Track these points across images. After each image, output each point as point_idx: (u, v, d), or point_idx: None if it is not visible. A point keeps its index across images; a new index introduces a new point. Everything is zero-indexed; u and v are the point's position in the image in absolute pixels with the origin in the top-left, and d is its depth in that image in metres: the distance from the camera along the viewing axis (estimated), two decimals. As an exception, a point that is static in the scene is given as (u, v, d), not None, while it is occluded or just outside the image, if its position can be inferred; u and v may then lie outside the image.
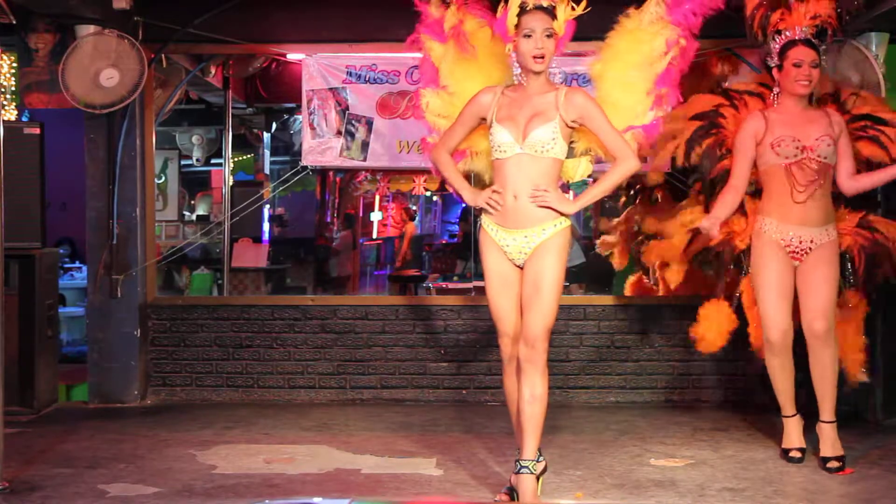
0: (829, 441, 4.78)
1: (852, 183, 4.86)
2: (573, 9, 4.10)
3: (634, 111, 4.21)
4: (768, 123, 4.81)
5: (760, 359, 5.02)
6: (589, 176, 4.36)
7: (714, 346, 5.11)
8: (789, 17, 4.81)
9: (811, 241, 4.78)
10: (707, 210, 5.11)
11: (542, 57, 4.03)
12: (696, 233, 5.12)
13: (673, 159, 5.28)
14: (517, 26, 4.04)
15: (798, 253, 4.80)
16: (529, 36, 4.01)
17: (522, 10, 4.03)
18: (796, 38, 4.76)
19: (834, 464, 4.70)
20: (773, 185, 4.81)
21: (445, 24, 4.30)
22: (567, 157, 4.16)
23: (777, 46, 4.82)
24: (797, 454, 4.83)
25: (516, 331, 4.13)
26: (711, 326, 5.08)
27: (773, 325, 4.80)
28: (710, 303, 5.13)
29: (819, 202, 4.78)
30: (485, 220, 4.19)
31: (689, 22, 4.22)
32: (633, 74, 4.21)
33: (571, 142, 4.16)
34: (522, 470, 4.02)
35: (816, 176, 4.75)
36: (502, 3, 4.16)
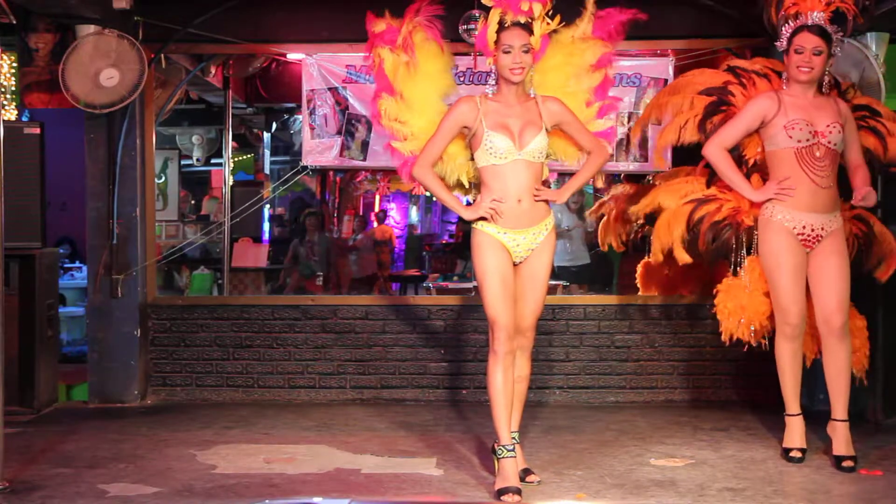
0: (843, 440, 4.75)
1: (852, 177, 4.88)
2: (548, 24, 4.37)
3: (580, 118, 4.55)
4: (782, 105, 4.78)
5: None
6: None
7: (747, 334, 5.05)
8: (802, 3, 4.78)
9: (822, 228, 4.77)
10: (709, 185, 5.13)
11: (521, 69, 4.30)
12: (698, 203, 5.10)
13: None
14: (496, 42, 4.29)
15: (809, 240, 4.78)
16: (508, 52, 4.28)
17: (501, 27, 4.28)
18: (807, 23, 4.73)
19: (848, 463, 4.67)
20: (783, 169, 4.77)
21: (399, 37, 4.53)
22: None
23: (787, 31, 4.79)
24: (798, 454, 4.82)
25: (513, 325, 4.33)
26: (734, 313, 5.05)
27: (791, 309, 4.78)
28: (724, 286, 5.10)
29: (829, 189, 4.77)
30: (486, 226, 4.35)
31: (613, 39, 4.61)
32: (572, 84, 4.60)
33: None
34: (515, 439, 4.38)
35: (827, 162, 4.74)
36: (482, 19, 4.38)
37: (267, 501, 4.21)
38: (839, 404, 4.79)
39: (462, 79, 6.33)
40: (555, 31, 4.48)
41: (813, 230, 4.78)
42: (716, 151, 4.92)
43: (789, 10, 4.81)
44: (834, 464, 4.73)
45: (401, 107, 4.55)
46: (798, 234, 4.78)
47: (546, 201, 4.41)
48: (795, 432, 4.89)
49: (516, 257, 4.38)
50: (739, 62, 5.29)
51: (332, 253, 11.14)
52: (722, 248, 5.05)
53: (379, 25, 4.56)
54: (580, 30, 4.57)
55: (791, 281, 4.79)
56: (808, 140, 4.73)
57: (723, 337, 5.11)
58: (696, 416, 5.96)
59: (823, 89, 4.85)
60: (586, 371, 6.41)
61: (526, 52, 4.27)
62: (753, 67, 5.18)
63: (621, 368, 6.39)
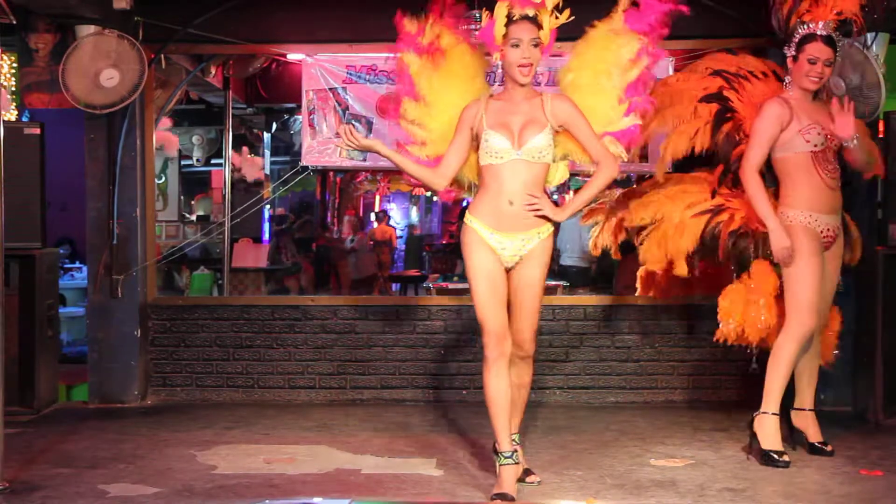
0: (818, 427, 4.99)
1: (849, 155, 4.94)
2: (556, 18, 4.20)
3: (608, 117, 4.35)
4: (794, 110, 4.79)
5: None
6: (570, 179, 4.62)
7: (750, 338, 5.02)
8: (815, 10, 4.80)
9: (837, 228, 4.88)
10: (714, 194, 5.09)
11: (529, 66, 4.15)
12: (712, 214, 5.04)
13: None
14: (504, 36, 4.14)
15: (830, 241, 4.86)
16: (517, 45, 4.13)
17: (509, 20, 4.14)
18: (817, 32, 4.74)
19: (829, 447, 4.91)
20: (801, 174, 4.78)
21: (423, 39, 4.42)
22: None
23: (797, 37, 4.80)
24: (786, 457, 4.75)
25: (504, 330, 4.22)
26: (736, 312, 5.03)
27: (813, 313, 4.75)
28: (728, 290, 5.07)
29: (838, 190, 4.85)
30: (475, 222, 4.24)
31: (655, 32, 4.34)
32: (603, 81, 4.36)
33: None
34: (515, 441, 4.32)
35: (835, 164, 4.81)
36: (486, 13, 4.25)
37: (267, 502, 4.21)
38: (812, 394, 5.05)
39: None
40: (591, 26, 4.35)
41: (831, 231, 4.85)
42: (753, 176, 4.81)
43: (804, 16, 4.82)
44: (809, 451, 4.92)
45: (422, 111, 4.44)
46: (824, 237, 4.83)
47: (542, 213, 4.21)
48: (777, 433, 4.81)
49: (504, 261, 4.24)
50: (717, 63, 5.30)
51: (298, 255, 11.24)
52: (740, 257, 5.00)
53: (410, 26, 4.42)
54: (614, 23, 4.34)
55: (816, 286, 4.76)
56: (822, 143, 4.77)
57: (716, 336, 5.08)
58: (696, 416, 5.96)
59: (822, 95, 4.92)
60: (586, 371, 6.41)
61: (535, 45, 4.12)
62: (733, 69, 5.21)
63: (621, 369, 6.39)
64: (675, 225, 5.13)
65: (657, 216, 5.19)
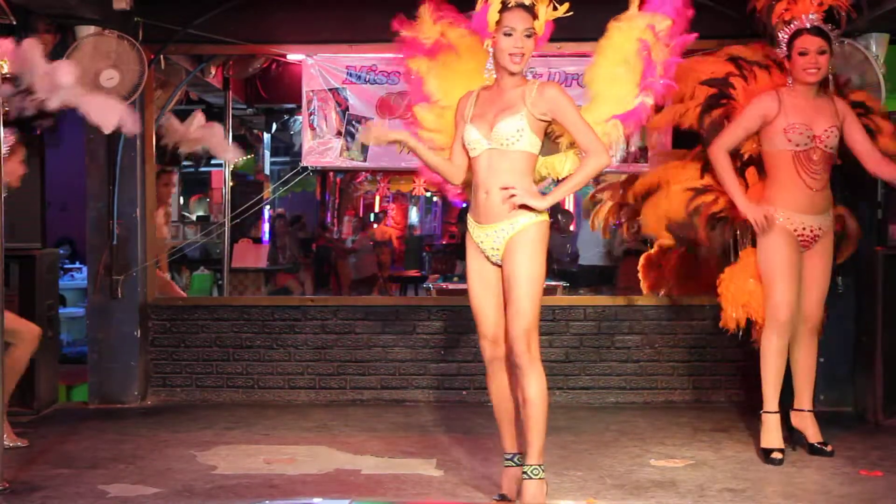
0: (817, 427, 4.98)
1: (885, 168, 4.86)
2: (554, 9, 4.10)
3: (623, 101, 4.18)
4: (782, 106, 4.79)
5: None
6: None
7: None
8: (794, 7, 4.81)
9: (819, 228, 4.86)
10: (703, 174, 5.13)
11: (521, 56, 4.01)
12: (696, 192, 5.10)
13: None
14: (498, 23, 4.01)
15: (808, 241, 4.86)
16: (510, 34, 3.98)
17: (504, 7, 4.00)
18: (805, 27, 4.76)
19: (829, 447, 4.90)
20: (781, 172, 4.82)
21: (426, 40, 4.32)
22: (553, 153, 4.16)
23: (785, 37, 4.81)
24: (779, 455, 4.79)
25: (496, 332, 4.11)
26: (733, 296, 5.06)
27: (784, 305, 4.79)
28: (727, 273, 5.09)
29: (824, 190, 4.86)
30: (468, 220, 4.16)
31: (674, 16, 4.20)
32: (619, 70, 4.18)
33: (557, 137, 4.14)
34: (526, 474, 3.97)
35: (822, 165, 4.80)
36: (483, 1, 4.13)
37: (267, 502, 4.21)
38: (809, 395, 5.02)
39: None
40: (614, 19, 4.21)
41: (812, 231, 4.84)
42: (719, 154, 4.92)
43: (783, 15, 4.83)
44: (809, 451, 4.91)
45: (438, 115, 4.34)
46: (798, 236, 4.83)
47: (523, 203, 3.99)
48: (775, 431, 4.85)
49: (491, 257, 4.09)
50: (741, 51, 5.30)
51: (300, 253, 11.25)
52: (717, 241, 5.04)
53: (409, 31, 4.34)
54: (631, 12, 4.18)
55: (788, 279, 4.81)
56: (806, 144, 4.77)
57: (721, 322, 5.10)
58: (696, 416, 5.96)
59: (828, 91, 4.90)
60: (586, 372, 6.40)
61: (528, 36, 3.98)
62: (755, 58, 5.21)
63: (621, 369, 6.39)
64: (666, 193, 5.23)
65: (654, 183, 5.33)
